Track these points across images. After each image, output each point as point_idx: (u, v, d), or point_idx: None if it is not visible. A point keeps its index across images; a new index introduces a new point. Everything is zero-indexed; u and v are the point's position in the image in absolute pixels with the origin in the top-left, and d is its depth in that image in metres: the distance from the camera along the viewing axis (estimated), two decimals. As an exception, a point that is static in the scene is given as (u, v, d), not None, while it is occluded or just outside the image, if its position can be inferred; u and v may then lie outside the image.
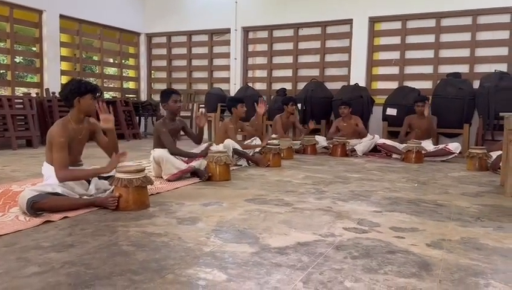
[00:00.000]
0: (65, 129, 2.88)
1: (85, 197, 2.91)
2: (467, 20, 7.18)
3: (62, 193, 2.74)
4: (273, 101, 8.10)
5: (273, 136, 6.34)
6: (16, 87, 7.79)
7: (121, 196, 2.79)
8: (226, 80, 9.21)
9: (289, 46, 8.64)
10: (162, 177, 3.94)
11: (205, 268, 1.83)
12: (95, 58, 10.00)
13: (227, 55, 9.15)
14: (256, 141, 5.41)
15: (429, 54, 7.48)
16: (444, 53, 7.39)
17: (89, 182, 3.05)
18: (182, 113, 4.30)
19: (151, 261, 1.90)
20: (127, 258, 1.93)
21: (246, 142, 5.47)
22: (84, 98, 2.93)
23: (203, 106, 8.69)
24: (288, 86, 8.51)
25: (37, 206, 2.57)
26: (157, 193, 3.39)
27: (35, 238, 2.21)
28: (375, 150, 6.37)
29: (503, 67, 6.79)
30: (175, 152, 4.08)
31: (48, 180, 2.87)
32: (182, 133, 4.39)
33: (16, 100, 6.80)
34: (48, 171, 2.89)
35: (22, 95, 7.80)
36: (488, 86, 6.37)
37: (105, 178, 3.08)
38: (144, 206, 2.88)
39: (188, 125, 5.14)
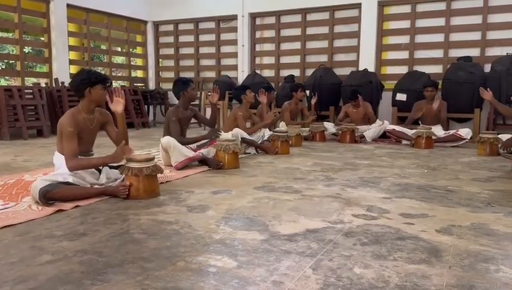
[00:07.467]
0: (75, 119, 2.90)
1: (96, 186, 2.95)
2: (478, 3, 7.03)
3: (73, 182, 2.78)
4: (281, 88, 8.05)
5: (282, 123, 6.31)
6: (25, 78, 7.85)
7: (131, 185, 2.82)
8: (234, 68, 9.16)
9: (297, 31, 8.56)
10: (171, 166, 3.96)
11: (215, 255, 1.85)
12: (103, 47, 10.01)
13: (234, 42, 9.09)
14: (265, 131, 5.37)
15: (439, 37, 7.37)
16: (455, 37, 7.27)
17: (99, 171, 3.08)
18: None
19: (162, 249, 1.92)
20: (139, 246, 1.96)
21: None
22: (95, 88, 2.94)
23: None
24: (296, 72, 8.46)
25: (49, 196, 2.60)
26: (167, 181, 3.42)
27: (48, 227, 2.25)
28: (385, 136, 6.33)
29: (515, 50, 6.68)
30: (183, 141, 4.10)
31: (59, 169, 2.90)
32: (193, 121, 4.39)
33: (25, 90, 6.87)
34: (59, 160, 2.92)
35: (31, 85, 7.85)
36: (500, 69, 6.28)
37: (116, 167, 3.11)
38: (154, 194, 2.91)
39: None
